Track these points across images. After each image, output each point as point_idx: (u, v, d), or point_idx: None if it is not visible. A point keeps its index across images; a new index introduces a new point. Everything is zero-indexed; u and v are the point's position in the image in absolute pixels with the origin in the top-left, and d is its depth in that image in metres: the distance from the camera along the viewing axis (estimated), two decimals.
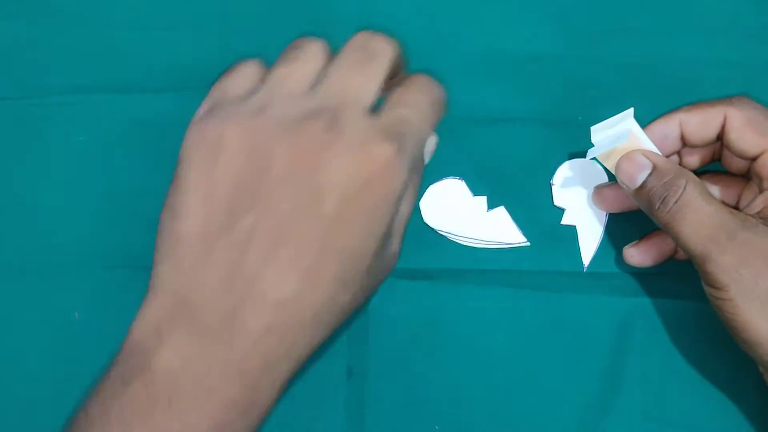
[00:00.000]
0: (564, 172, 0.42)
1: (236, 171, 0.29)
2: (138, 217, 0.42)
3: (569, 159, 0.42)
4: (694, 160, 0.39)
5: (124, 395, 0.28)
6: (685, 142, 0.38)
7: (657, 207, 0.35)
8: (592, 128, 0.38)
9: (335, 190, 0.29)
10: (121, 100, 0.44)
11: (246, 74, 0.33)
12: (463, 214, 0.41)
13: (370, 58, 0.32)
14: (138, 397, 0.28)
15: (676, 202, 0.34)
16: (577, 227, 0.41)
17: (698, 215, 0.34)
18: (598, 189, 0.41)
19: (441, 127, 0.42)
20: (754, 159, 0.36)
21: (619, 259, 0.41)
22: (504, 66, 0.44)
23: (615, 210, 0.41)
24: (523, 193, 0.42)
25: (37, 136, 0.43)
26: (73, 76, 0.44)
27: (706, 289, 0.35)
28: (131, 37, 0.45)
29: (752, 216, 0.34)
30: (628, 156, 0.36)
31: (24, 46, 0.45)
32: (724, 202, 0.37)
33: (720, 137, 0.37)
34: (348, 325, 0.40)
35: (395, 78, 0.33)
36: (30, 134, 0.43)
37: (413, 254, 0.41)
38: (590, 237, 0.41)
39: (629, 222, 0.40)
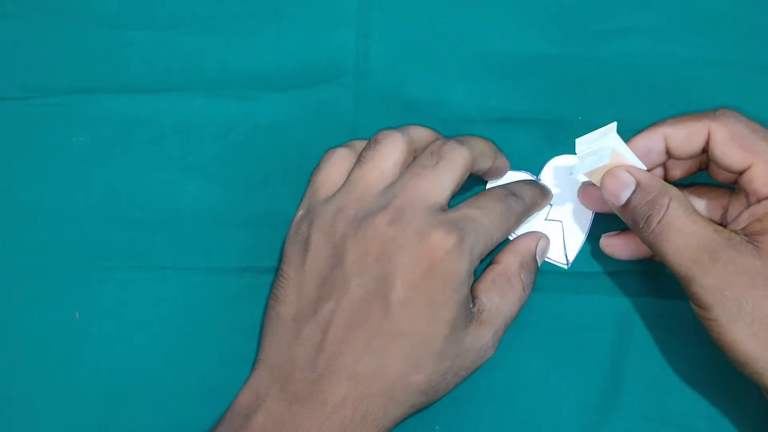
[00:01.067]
0: (551, 168, 0.42)
1: (320, 266, 0.35)
2: (138, 217, 0.42)
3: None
4: (679, 171, 0.39)
5: None
6: (670, 155, 0.37)
7: (641, 227, 0.35)
8: (577, 140, 0.38)
9: (399, 277, 0.33)
10: (121, 100, 0.44)
11: (334, 172, 0.38)
12: None
13: (443, 163, 0.35)
14: None
15: (659, 222, 0.34)
16: (562, 222, 0.41)
17: (681, 236, 0.33)
18: (584, 188, 0.40)
19: (441, 128, 0.42)
20: (740, 173, 0.36)
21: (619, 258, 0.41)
22: (504, 66, 0.44)
23: (600, 210, 0.41)
24: None
25: (37, 136, 0.43)
26: (73, 76, 0.44)
27: (693, 307, 0.34)
28: (131, 37, 0.45)
29: (737, 232, 0.34)
30: (611, 172, 0.36)
31: (24, 46, 0.44)
32: (710, 217, 0.37)
33: (705, 149, 0.36)
34: None
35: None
36: (30, 134, 0.43)
37: None
38: (576, 233, 0.41)
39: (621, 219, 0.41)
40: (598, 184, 0.37)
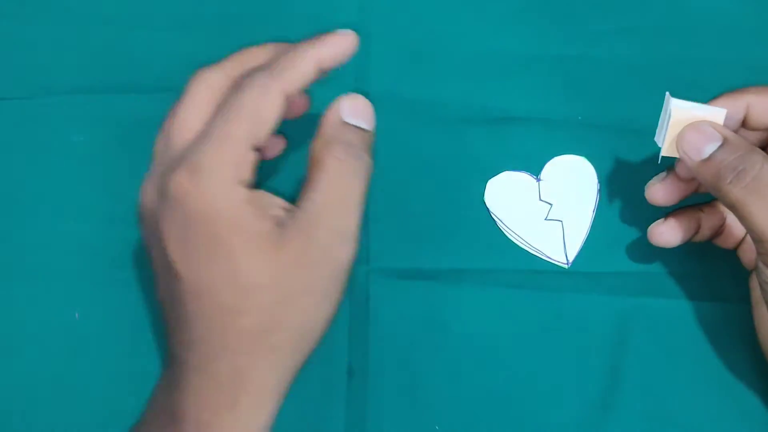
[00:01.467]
0: (551, 167, 0.42)
1: None
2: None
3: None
4: None
5: None
6: (745, 125, 0.35)
7: (729, 181, 0.32)
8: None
9: (159, 227, 0.32)
10: (121, 100, 0.44)
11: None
12: (523, 211, 0.41)
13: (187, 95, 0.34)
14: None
15: (754, 177, 0.32)
16: (562, 222, 0.41)
17: (765, 196, 0.31)
18: (652, 185, 0.37)
19: (441, 127, 0.42)
20: None
21: (618, 257, 0.41)
22: (504, 66, 0.44)
23: (671, 202, 0.37)
24: None
25: (37, 136, 0.43)
26: (73, 76, 0.44)
27: (765, 271, 0.33)
28: (131, 37, 0.45)
29: None
30: (694, 126, 0.34)
31: (24, 46, 0.45)
32: None
33: None
34: (348, 324, 0.40)
35: None
36: (30, 134, 0.43)
37: (414, 254, 0.41)
38: (576, 233, 0.41)
39: (621, 219, 0.41)
40: (675, 153, 0.34)
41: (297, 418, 0.39)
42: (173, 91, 0.44)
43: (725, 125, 0.34)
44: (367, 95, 0.44)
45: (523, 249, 0.41)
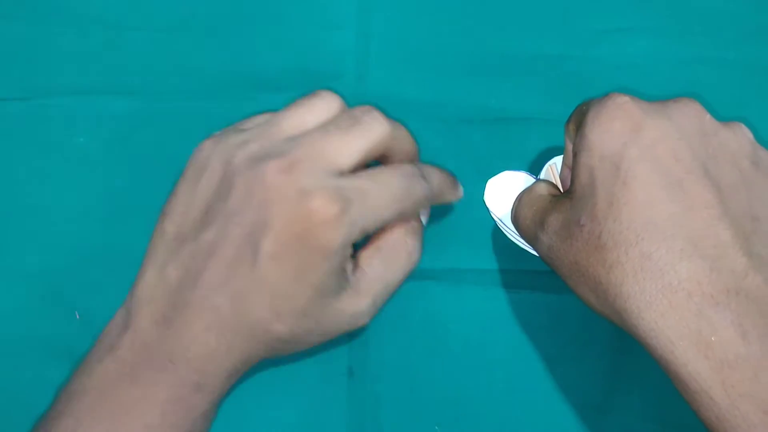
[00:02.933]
0: (551, 168, 0.42)
1: (211, 191, 0.34)
2: (138, 217, 0.42)
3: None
4: None
5: (99, 370, 0.33)
6: None
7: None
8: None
9: (273, 230, 0.32)
10: (122, 102, 0.44)
11: (261, 115, 0.36)
12: None
13: (357, 128, 0.34)
14: (109, 371, 0.33)
15: (512, 219, 0.39)
16: None
17: (524, 223, 0.37)
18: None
19: (441, 127, 0.42)
20: None
21: None
22: (504, 66, 0.44)
23: None
24: None
25: (38, 137, 0.43)
26: (74, 77, 0.44)
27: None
28: (131, 39, 0.45)
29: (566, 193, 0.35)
30: None
31: (24, 47, 0.45)
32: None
33: None
34: None
35: (388, 160, 0.36)
36: (30, 135, 0.43)
37: None
38: None
39: None
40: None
41: (297, 418, 0.39)
42: (173, 93, 0.44)
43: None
44: (367, 95, 0.44)
45: (524, 249, 0.41)
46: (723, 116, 0.35)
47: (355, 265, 0.35)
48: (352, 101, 0.44)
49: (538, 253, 0.35)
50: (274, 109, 0.43)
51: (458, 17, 0.45)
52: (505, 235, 0.41)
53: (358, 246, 0.35)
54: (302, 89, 0.44)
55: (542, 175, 0.42)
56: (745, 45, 0.44)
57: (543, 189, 0.38)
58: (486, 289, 0.41)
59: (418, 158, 0.37)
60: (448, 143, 0.43)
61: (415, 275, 0.41)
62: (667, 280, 0.29)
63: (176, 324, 0.33)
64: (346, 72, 0.44)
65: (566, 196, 0.34)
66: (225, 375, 0.33)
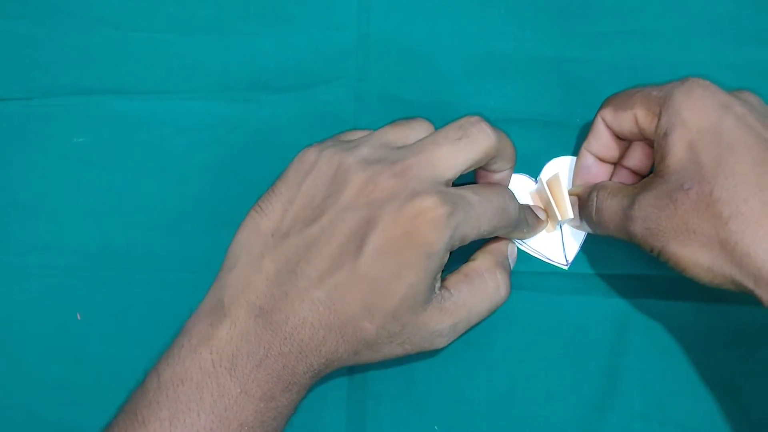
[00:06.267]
0: (551, 168, 0.42)
1: (318, 190, 0.35)
2: (138, 217, 0.42)
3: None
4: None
5: (194, 360, 0.33)
6: (619, 135, 0.40)
7: (592, 227, 0.39)
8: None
9: (381, 225, 0.33)
10: (122, 102, 0.44)
11: (359, 130, 0.39)
12: None
13: (465, 140, 0.35)
14: (205, 362, 0.32)
15: (595, 213, 0.38)
16: (561, 225, 0.41)
17: (610, 212, 0.38)
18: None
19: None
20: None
21: (617, 259, 0.41)
22: (504, 67, 0.44)
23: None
24: None
25: (38, 137, 0.43)
26: (75, 77, 0.44)
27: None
28: (131, 39, 0.45)
29: (651, 175, 0.37)
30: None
31: (25, 47, 0.45)
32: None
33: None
34: None
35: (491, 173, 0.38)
36: (30, 135, 0.43)
37: None
38: (574, 234, 0.41)
39: None
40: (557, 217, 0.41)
41: (297, 418, 0.39)
42: (174, 93, 0.44)
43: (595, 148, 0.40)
44: (366, 95, 0.44)
45: (522, 250, 0.41)
46: None
47: (443, 287, 0.36)
48: (352, 101, 0.44)
49: (628, 231, 0.36)
50: (275, 109, 0.44)
51: (458, 18, 0.45)
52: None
53: (445, 273, 0.36)
54: (303, 89, 0.44)
55: (542, 175, 0.42)
56: (743, 47, 0.44)
57: (617, 183, 0.39)
58: None
59: (514, 163, 0.39)
60: None
61: None
62: None
63: (274, 317, 0.33)
64: (346, 72, 0.44)
65: (650, 177, 0.36)
66: (311, 375, 0.34)
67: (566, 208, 0.40)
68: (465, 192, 0.35)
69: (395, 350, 0.35)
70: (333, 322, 0.33)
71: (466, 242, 0.35)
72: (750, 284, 0.33)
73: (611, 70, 0.44)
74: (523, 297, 0.41)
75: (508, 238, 0.39)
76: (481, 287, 0.37)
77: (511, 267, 0.39)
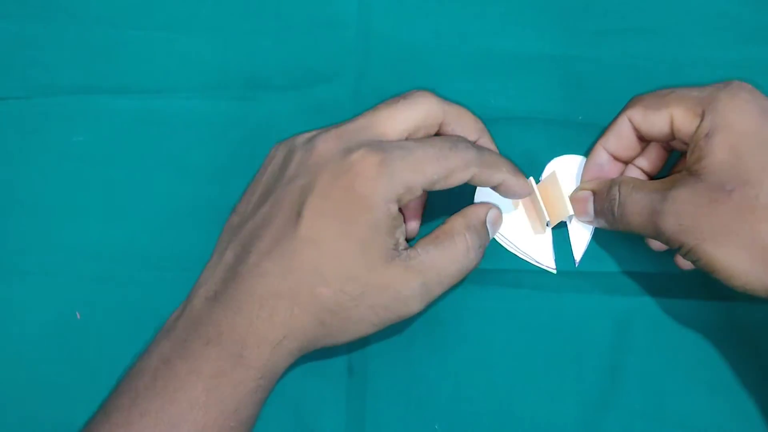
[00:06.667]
0: (553, 168, 0.42)
1: (272, 175, 0.37)
2: (137, 216, 0.42)
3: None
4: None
5: (156, 351, 0.34)
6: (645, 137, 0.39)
7: (611, 222, 0.38)
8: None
9: (317, 187, 0.34)
10: (122, 100, 0.44)
11: None
12: (511, 217, 0.41)
13: (403, 102, 0.36)
14: (164, 350, 0.34)
15: (618, 207, 0.37)
16: (567, 223, 0.41)
17: (636, 206, 0.37)
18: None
19: None
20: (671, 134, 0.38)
21: (618, 257, 0.41)
22: (504, 66, 0.44)
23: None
24: None
25: (37, 136, 0.43)
26: (74, 76, 0.44)
27: (687, 262, 0.37)
28: (131, 38, 0.45)
29: (682, 173, 0.36)
30: (573, 197, 0.40)
31: (25, 46, 0.44)
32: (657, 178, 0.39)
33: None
34: None
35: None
36: (30, 134, 0.43)
37: None
38: (581, 232, 0.41)
39: None
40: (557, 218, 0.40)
41: (297, 417, 0.39)
42: (173, 91, 0.44)
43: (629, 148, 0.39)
44: (366, 93, 0.44)
45: (513, 254, 0.41)
46: None
47: (413, 248, 0.36)
48: (351, 99, 0.44)
49: (657, 226, 0.35)
50: (274, 107, 0.44)
51: (458, 17, 0.45)
52: (495, 239, 0.41)
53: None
54: (303, 87, 0.44)
55: (544, 175, 0.42)
56: (744, 45, 0.44)
57: (639, 178, 0.39)
58: (486, 289, 0.41)
59: (486, 137, 0.39)
60: None
61: None
62: None
63: (225, 296, 0.34)
64: (346, 70, 0.44)
65: (681, 174, 0.36)
66: (268, 348, 0.34)
67: (566, 207, 0.39)
68: (405, 143, 0.35)
69: (367, 316, 0.35)
70: (282, 290, 0.34)
71: (416, 192, 0.35)
72: None
73: (612, 69, 0.44)
74: (524, 295, 0.41)
75: (491, 204, 0.39)
76: (450, 248, 0.36)
77: (493, 233, 0.39)
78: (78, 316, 0.40)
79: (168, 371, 0.33)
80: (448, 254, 0.36)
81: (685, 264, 0.39)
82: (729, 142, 0.34)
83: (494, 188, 0.38)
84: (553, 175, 0.40)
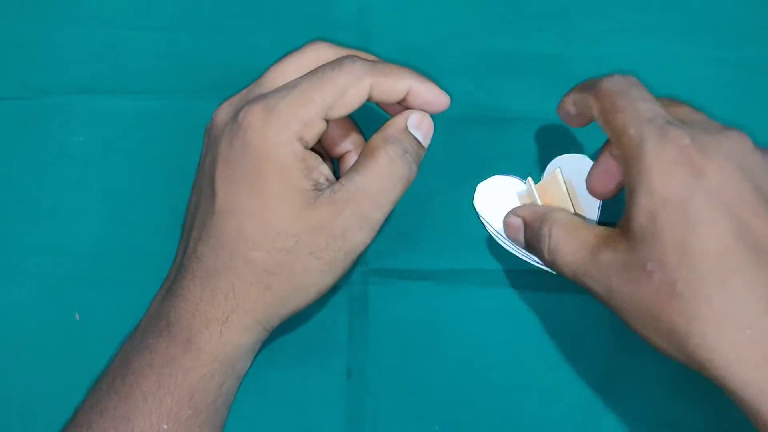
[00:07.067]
0: (557, 166, 0.42)
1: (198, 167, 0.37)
2: (136, 217, 0.42)
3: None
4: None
5: (123, 353, 0.35)
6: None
7: (543, 260, 0.36)
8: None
9: (219, 156, 0.34)
10: (121, 101, 0.44)
11: None
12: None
13: (292, 52, 0.36)
14: (125, 350, 0.35)
15: (548, 252, 0.35)
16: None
17: (566, 257, 0.35)
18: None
19: (441, 127, 0.42)
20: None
21: None
22: (504, 66, 0.44)
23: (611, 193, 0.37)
24: None
25: (37, 136, 0.43)
26: (73, 76, 0.44)
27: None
28: (130, 38, 0.45)
29: (614, 228, 0.34)
30: (507, 220, 0.39)
31: (24, 46, 0.44)
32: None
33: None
34: (348, 324, 0.40)
35: None
36: (30, 134, 0.43)
37: (413, 254, 0.41)
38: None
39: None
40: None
41: (296, 418, 0.39)
42: (173, 92, 0.44)
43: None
44: None
45: (515, 254, 0.41)
46: (722, 117, 0.35)
47: (337, 182, 0.34)
48: None
49: (593, 289, 0.34)
50: None
51: (458, 17, 0.45)
52: (495, 239, 0.41)
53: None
54: None
55: (545, 175, 0.42)
56: (744, 45, 0.44)
57: (575, 220, 0.36)
58: (486, 289, 0.41)
59: (415, 78, 0.36)
60: (447, 143, 0.43)
61: (413, 275, 0.41)
62: (758, 332, 0.29)
63: (174, 289, 0.34)
64: None
65: (615, 231, 0.33)
66: (217, 328, 0.33)
67: (567, 207, 0.39)
68: (286, 83, 0.35)
69: (312, 264, 0.34)
70: (218, 267, 0.33)
71: (316, 125, 0.34)
72: (719, 384, 0.30)
73: (612, 69, 0.44)
74: (523, 296, 0.41)
75: (414, 110, 0.36)
76: (373, 167, 0.34)
77: (423, 136, 0.36)
78: (77, 317, 0.41)
79: (125, 368, 0.33)
80: (373, 173, 0.34)
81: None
82: (649, 207, 0.31)
83: (404, 103, 0.36)
84: (554, 174, 0.40)
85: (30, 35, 0.45)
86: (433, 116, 0.43)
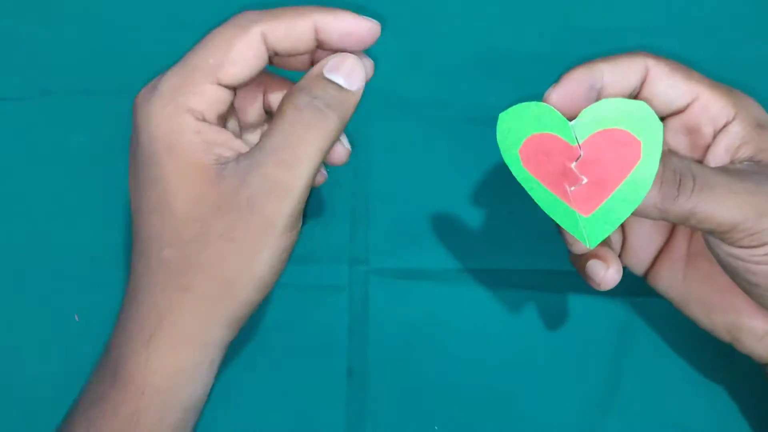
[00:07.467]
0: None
1: None
2: None
3: None
4: None
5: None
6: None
7: (676, 197, 0.30)
8: None
9: (134, 143, 0.31)
10: (121, 101, 0.44)
11: None
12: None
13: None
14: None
15: (694, 186, 0.30)
16: None
17: (717, 190, 0.29)
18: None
19: (441, 127, 0.42)
20: (678, 113, 0.32)
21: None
22: (504, 65, 0.44)
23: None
24: (524, 193, 0.42)
25: (37, 137, 0.43)
26: (73, 76, 0.44)
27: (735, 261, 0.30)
28: (131, 38, 0.45)
29: (744, 164, 0.31)
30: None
31: (24, 47, 0.45)
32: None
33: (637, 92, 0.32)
34: (348, 324, 0.40)
35: None
36: (30, 134, 0.43)
37: (413, 254, 0.41)
38: None
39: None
40: None
41: (297, 419, 0.39)
42: None
43: (589, 99, 0.33)
44: (366, 94, 0.44)
45: (522, 248, 0.41)
46: None
47: (247, 152, 0.30)
48: None
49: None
50: None
51: (458, 17, 0.45)
52: (505, 232, 0.41)
53: None
54: None
55: None
56: (745, 45, 0.44)
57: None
58: (486, 289, 0.41)
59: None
60: (448, 143, 0.43)
61: (414, 275, 0.41)
62: None
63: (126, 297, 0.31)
64: None
65: (744, 166, 0.31)
66: (143, 351, 0.29)
67: None
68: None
69: (229, 249, 0.29)
70: (138, 281, 0.30)
71: (208, 93, 0.30)
72: None
73: None
74: (523, 296, 0.41)
75: (320, 64, 0.31)
76: (278, 123, 0.29)
77: (345, 79, 0.31)
78: (77, 319, 0.40)
79: (71, 414, 0.31)
80: (277, 130, 0.29)
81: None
82: None
83: (323, 47, 0.31)
84: None
85: (30, 35, 0.45)
86: (432, 116, 0.43)
